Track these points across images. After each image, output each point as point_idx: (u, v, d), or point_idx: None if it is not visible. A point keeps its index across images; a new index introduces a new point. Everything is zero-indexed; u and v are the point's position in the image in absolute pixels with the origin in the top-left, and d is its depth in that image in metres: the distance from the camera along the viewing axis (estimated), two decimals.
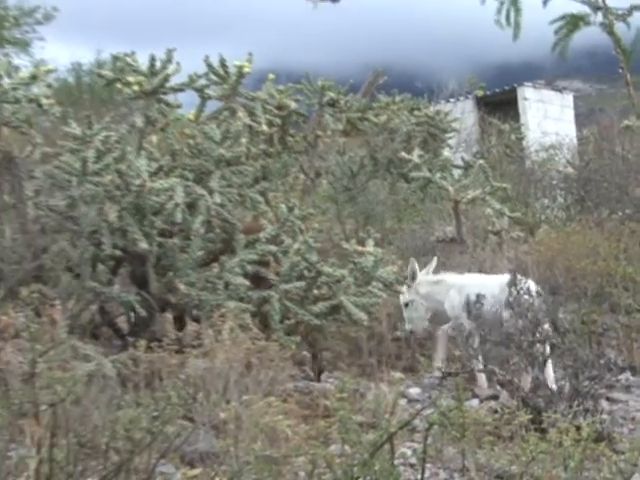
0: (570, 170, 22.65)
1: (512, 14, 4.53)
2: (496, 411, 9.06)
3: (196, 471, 7.59)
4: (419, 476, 6.09)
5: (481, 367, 10.74)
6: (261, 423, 7.58)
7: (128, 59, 12.10)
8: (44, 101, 11.45)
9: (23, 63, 19.49)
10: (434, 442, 6.60)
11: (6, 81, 11.45)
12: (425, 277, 12.17)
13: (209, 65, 12.19)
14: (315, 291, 10.89)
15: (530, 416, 8.19)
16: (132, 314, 10.61)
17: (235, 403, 8.30)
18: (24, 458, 6.56)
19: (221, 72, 12.22)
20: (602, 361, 9.90)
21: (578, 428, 7.01)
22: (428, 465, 6.20)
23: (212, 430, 8.26)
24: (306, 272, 10.89)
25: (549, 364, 10.34)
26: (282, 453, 6.69)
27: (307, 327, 10.89)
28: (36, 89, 11.75)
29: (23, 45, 25.70)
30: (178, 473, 7.57)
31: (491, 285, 11.25)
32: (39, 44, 25.95)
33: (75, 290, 10.29)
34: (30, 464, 6.42)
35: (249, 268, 10.76)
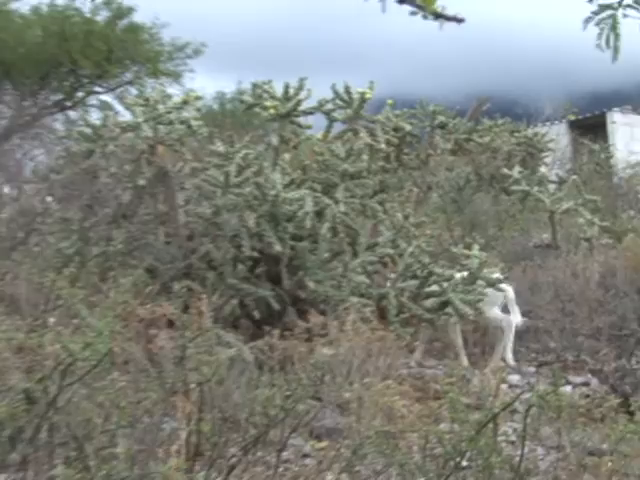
0: None
1: (612, 39, 4.50)
2: (587, 396, 8.96)
3: (323, 444, 7.60)
4: (519, 452, 6.01)
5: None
6: (380, 403, 7.56)
7: (265, 87, 12.19)
8: (193, 123, 11.61)
9: (175, 92, 19.68)
10: (533, 422, 6.49)
11: (161, 106, 11.64)
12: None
13: (336, 92, 12.21)
14: (426, 289, 10.89)
15: (619, 400, 8.06)
16: (267, 307, 10.66)
17: (357, 385, 8.30)
18: (176, 430, 6.62)
19: (346, 98, 12.23)
20: None
21: None
22: (527, 442, 6.09)
23: (337, 408, 8.26)
24: (419, 272, 10.89)
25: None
26: (398, 429, 6.64)
27: (419, 320, 10.88)
28: (186, 113, 11.91)
29: (176, 76, 25.97)
30: (307, 445, 7.59)
31: None
32: (189, 75, 26.20)
33: (219, 286, 10.39)
34: (181, 435, 6.47)
35: (370, 268, 10.82)
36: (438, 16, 2.82)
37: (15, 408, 5.64)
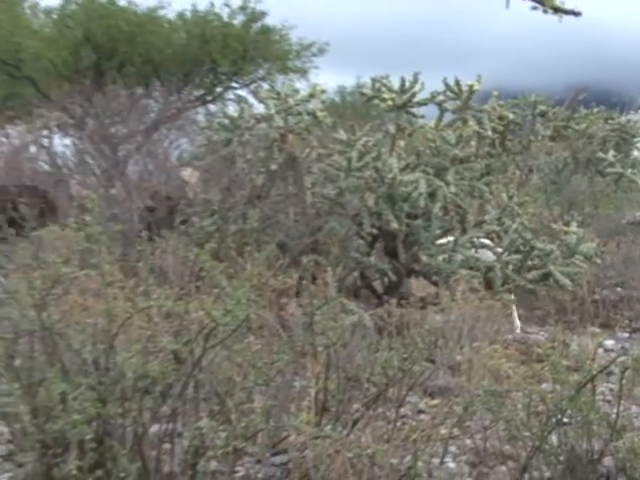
0: None
1: None
2: None
3: (436, 401, 7.58)
4: (615, 410, 5.92)
5: None
6: (488, 365, 7.54)
7: (383, 81, 12.17)
8: (319, 114, 11.69)
9: (302, 86, 19.71)
10: (627, 383, 6.41)
11: (291, 100, 11.73)
12: None
13: (446, 84, 12.12)
14: (529, 262, 10.80)
15: None
16: (385, 279, 10.69)
17: (467, 349, 8.28)
18: (305, 388, 6.65)
19: (456, 90, 12.13)
20: None
21: None
22: (622, 401, 6.01)
23: (449, 370, 8.24)
24: (522, 247, 10.81)
25: None
26: (504, 389, 6.60)
27: (523, 290, 10.82)
28: (312, 105, 11.97)
29: (302, 72, 26.07)
30: (422, 402, 7.58)
31: None
32: (314, 71, 26.28)
33: (342, 259, 10.42)
34: (310, 392, 6.50)
35: (477, 243, 10.77)
36: (557, 10, 2.77)
37: (165, 367, 5.70)
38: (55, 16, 25.41)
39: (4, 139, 20.03)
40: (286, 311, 8.57)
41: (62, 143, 18.87)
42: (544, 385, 6.75)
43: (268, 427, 5.77)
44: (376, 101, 12.34)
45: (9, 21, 24.26)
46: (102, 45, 24.07)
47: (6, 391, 6.06)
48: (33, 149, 18.59)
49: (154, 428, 5.64)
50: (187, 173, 14.23)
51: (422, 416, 7.10)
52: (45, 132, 19.28)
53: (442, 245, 10.61)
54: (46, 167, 17.49)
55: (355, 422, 6.14)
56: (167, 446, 5.60)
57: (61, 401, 5.56)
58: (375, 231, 10.72)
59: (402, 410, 6.72)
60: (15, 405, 5.90)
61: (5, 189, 15.04)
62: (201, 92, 25.55)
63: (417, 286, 11.08)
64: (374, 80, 12.30)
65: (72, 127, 18.97)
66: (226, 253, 9.89)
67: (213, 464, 5.44)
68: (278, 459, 5.96)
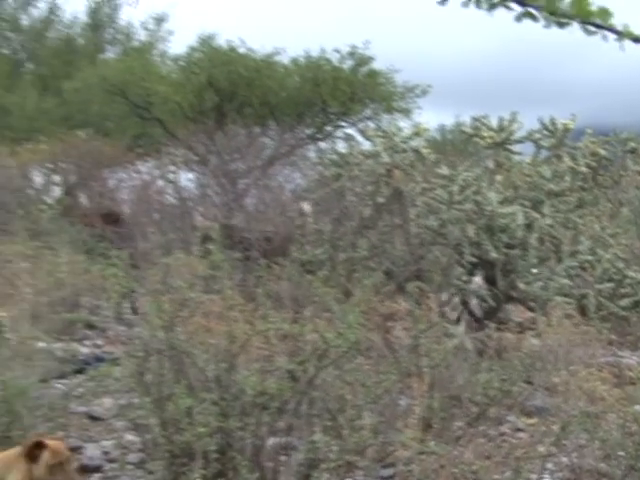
0: None
1: None
2: None
3: (533, 420, 7.48)
4: None
5: None
6: (583, 387, 7.40)
7: (483, 120, 12.14)
8: (423, 151, 11.68)
9: (405, 125, 19.73)
10: None
11: (396, 137, 11.75)
12: None
13: (543, 123, 12.06)
14: (621, 290, 10.63)
15: None
16: (485, 304, 10.61)
17: (564, 371, 8.15)
18: (410, 406, 6.60)
19: (551, 128, 12.05)
20: None
21: None
22: None
23: (546, 391, 8.12)
24: (614, 276, 10.64)
25: None
26: (599, 410, 6.49)
27: (616, 317, 10.62)
28: (416, 142, 11.97)
29: (406, 112, 26.02)
30: (520, 421, 7.48)
31: None
32: (417, 111, 26.25)
33: (444, 286, 10.37)
34: (415, 410, 6.45)
35: (572, 272, 10.62)
36: (637, 40, 2.70)
37: (281, 385, 5.72)
38: (182, 63, 25.82)
39: (135, 174, 20.38)
40: (392, 334, 8.53)
41: (187, 178, 19.17)
42: (637, 407, 6.62)
43: (377, 442, 5.75)
44: (476, 139, 12.30)
45: (141, 68, 24.71)
46: (223, 89, 24.39)
47: (138, 404, 6.14)
48: (161, 183, 18.89)
49: (271, 441, 5.66)
50: (302, 205, 14.29)
51: (520, 434, 7.01)
52: (172, 168, 19.58)
53: (538, 274, 10.51)
54: (172, 199, 17.74)
55: (458, 439, 6.09)
56: (283, 458, 5.61)
57: (187, 415, 5.62)
58: (475, 260, 10.64)
59: (501, 428, 6.65)
60: (146, 417, 5.97)
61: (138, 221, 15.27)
62: (313, 131, 25.69)
63: (515, 312, 10.95)
64: (474, 119, 12.27)
65: (196, 163, 19.25)
66: (336, 280, 9.90)
67: (325, 476, 5.43)
68: (386, 472, 5.94)
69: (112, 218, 15.99)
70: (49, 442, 4.49)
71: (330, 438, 5.50)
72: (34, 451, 4.41)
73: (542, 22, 2.59)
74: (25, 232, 13.86)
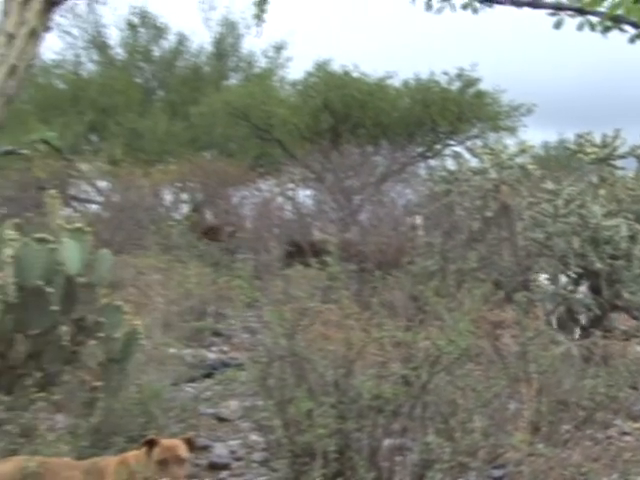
0: None
1: None
2: None
3: (639, 424, 7.32)
4: None
5: None
6: None
7: (586, 136, 11.99)
8: (529, 167, 11.59)
9: (511, 143, 19.63)
10: None
11: (503, 155, 11.68)
12: None
13: None
14: None
15: None
16: (590, 313, 10.44)
17: None
18: (519, 410, 6.52)
19: None
20: None
21: None
22: None
23: None
24: None
25: None
26: None
27: None
28: (521, 159, 11.90)
29: (512, 130, 25.83)
30: (625, 425, 7.32)
31: None
32: (522, 129, 26.03)
33: (550, 296, 10.24)
34: (524, 414, 6.37)
35: None
36: None
37: (396, 389, 5.71)
38: (299, 87, 26.06)
39: (256, 192, 20.60)
40: (501, 341, 8.43)
41: (304, 194, 19.31)
42: None
43: (487, 444, 5.69)
44: (579, 155, 12.16)
45: (261, 93, 25.00)
46: (338, 111, 24.51)
47: (262, 407, 6.19)
48: (280, 200, 19.05)
49: (387, 442, 5.64)
50: (414, 220, 14.27)
51: (627, 438, 6.85)
52: (290, 185, 19.75)
53: None
54: (291, 215, 17.88)
55: (565, 442, 5.99)
56: (398, 458, 5.59)
57: (308, 417, 5.63)
58: (580, 270, 10.49)
59: (608, 432, 6.52)
60: (269, 419, 6.01)
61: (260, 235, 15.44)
62: (423, 149, 25.66)
63: (619, 320, 10.73)
64: (578, 136, 12.13)
65: (313, 181, 19.36)
66: (447, 289, 9.83)
67: (439, 476, 5.40)
68: (496, 473, 5.87)
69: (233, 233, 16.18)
70: (162, 441, 4.57)
71: (443, 440, 5.47)
72: (148, 447, 4.51)
73: None
74: (157, 246, 14.12)
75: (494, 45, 33.18)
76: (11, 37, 2.89)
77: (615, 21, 2.68)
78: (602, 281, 10.39)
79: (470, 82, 25.36)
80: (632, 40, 2.35)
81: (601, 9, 2.45)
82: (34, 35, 2.95)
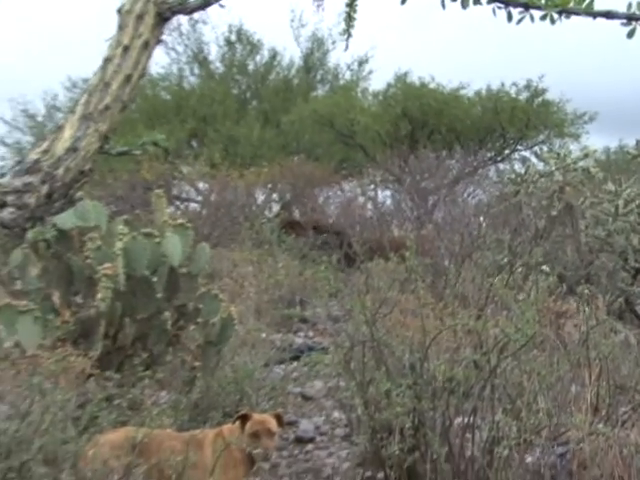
0: None
1: None
2: None
3: None
4: None
5: None
6: None
7: None
8: (592, 170, 11.44)
9: (574, 148, 19.50)
10: None
11: (568, 159, 11.58)
12: None
13: None
14: None
15: None
16: None
17: None
18: (580, 392, 6.43)
19: None
20: None
21: None
22: None
23: None
24: None
25: None
26: None
27: None
28: (584, 163, 11.75)
29: (575, 137, 25.50)
30: None
31: None
32: (585, 135, 25.68)
33: (610, 288, 10.08)
34: (585, 396, 6.29)
35: None
36: None
37: (467, 373, 5.67)
38: (380, 97, 26.09)
39: (340, 192, 20.65)
40: (564, 330, 8.32)
41: (384, 195, 19.30)
42: None
43: (551, 424, 5.63)
44: (639, 159, 11.96)
45: (346, 102, 25.06)
46: (416, 118, 24.49)
47: (344, 387, 6.20)
48: (361, 200, 19.05)
49: (458, 421, 5.61)
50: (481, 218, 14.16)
51: None
52: (371, 186, 19.74)
53: None
54: (372, 213, 17.87)
55: (623, 422, 5.88)
56: (468, 436, 5.56)
57: (386, 396, 5.63)
58: (638, 265, 10.31)
59: None
60: (351, 398, 6.03)
61: (343, 231, 15.44)
62: (493, 153, 25.48)
63: None
64: (638, 141, 11.93)
65: (392, 182, 19.34)
66: (514, 282, 9.74)
67: (506, 452, 5.35)
68: (559, 450, 5.79)
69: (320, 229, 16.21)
70: (254, 416, 4.61)
71: (510, 419, 5.42)
72: (242, 421, 4.55)
73: None
74: (250, 241, 14.20)
75: (562, 55, 32.71)
76: (126, 49, 2.94)
77: None
78: None
79: (537, 92, 25.13)
80: None
81: None
82: (146, 47, 3.01)
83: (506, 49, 31.31)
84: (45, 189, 2.67)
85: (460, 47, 36.41)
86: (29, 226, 2.75)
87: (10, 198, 2.57)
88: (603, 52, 30.24)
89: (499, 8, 1.92)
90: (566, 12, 1.96)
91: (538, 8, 1.95)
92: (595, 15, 1.89)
